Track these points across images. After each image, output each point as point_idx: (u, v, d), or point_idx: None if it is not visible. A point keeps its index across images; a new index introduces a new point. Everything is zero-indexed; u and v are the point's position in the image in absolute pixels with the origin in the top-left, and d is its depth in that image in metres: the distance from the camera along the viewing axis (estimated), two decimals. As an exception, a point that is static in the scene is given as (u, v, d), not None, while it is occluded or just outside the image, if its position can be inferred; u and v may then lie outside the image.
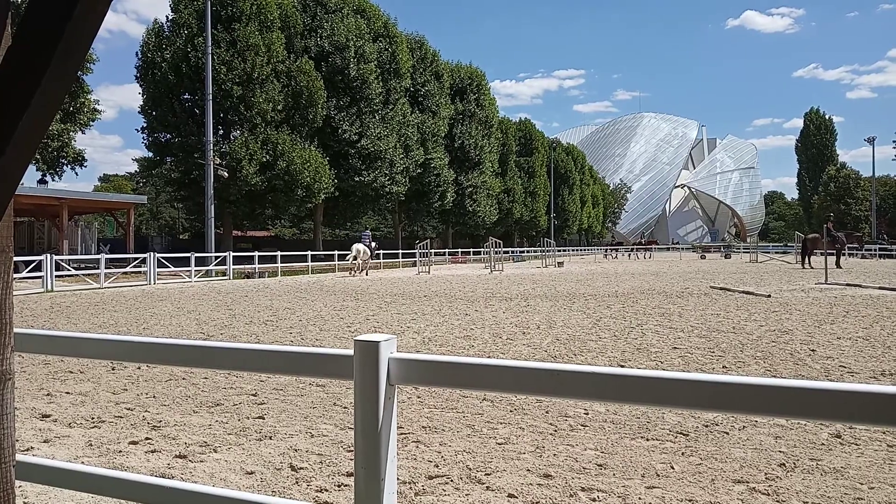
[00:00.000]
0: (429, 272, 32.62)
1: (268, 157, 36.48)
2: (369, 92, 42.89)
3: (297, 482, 3.69)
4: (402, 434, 4.57)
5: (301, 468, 3.91)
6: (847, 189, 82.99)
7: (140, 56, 37.16)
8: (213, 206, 31.30)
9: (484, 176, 59.90)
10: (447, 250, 53.93)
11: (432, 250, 40.63)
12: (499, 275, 29.43)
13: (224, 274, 28.43)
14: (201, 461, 4.07)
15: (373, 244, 32.92)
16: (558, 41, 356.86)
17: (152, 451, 4.27)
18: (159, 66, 35.86)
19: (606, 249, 73.47)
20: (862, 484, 3.53)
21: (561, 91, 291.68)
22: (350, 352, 1.95)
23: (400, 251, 46.63)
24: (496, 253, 35.87)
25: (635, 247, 71.56)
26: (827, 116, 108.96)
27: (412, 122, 48.50)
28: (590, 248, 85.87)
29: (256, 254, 31.68)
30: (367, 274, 30.24)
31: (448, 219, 60.04)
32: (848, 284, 18.68)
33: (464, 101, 58.18)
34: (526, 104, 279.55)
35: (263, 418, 5.03)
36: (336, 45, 41.39)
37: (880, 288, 17.11)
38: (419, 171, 49.82)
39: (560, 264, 41.11)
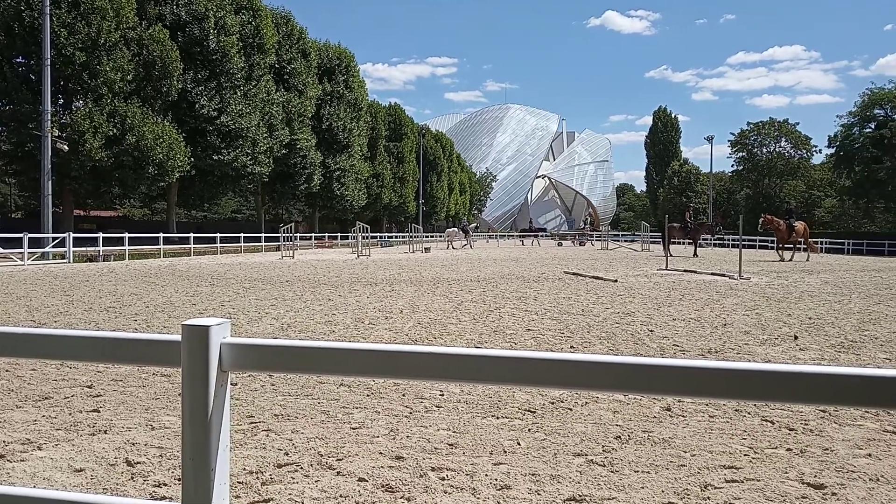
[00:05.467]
0: (293, 257, 31.80)
1: (115, 130, 33.67)
2: (230, 66, 40.76)
3: (132, 477, 3.45)
4: (252, 423, 4.41)
5: (138, 462, 3.65)
6: (688, 183, 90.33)
7: (-38, 11, 32.89)
8: (50, 183, 28.51)
9: (352, 159, 59.11)
10: (314, 235, 52.83)
11: (297, 234, 39.66)
12: (366, 260, 29.28)
13: (63, 257, 26.07)
14: (22, 460, 3.69)
15: (469, 227, 54.59)
16: (432, 28, 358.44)
17: (-38, 453, 3.81)
18: (-14, 24, 31.95)
19: (524, 234, 68.20)
20: (685, 452, 3.86)
21: (433, 78, 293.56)
22: (178, 337, 1.82)
23: (263, 235, 45.05)
24: (364, 238, 35.64)
25: (582, 233, 66.02)
26: (673, 115, 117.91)
27: (277, 101, 46.73)
28: None
29: (101, 235, 29.32)
30: (462, 250, 37.19)
31: (315, 202, 58.77)
32: (685, 270, 20.42)
33: (332, 82, 56.95)
34: (399, 89, 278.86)
35: (98, 411, 4.66)
36: (194, 15, 38.91)
37: (712, 274, 18.87)
38: (284, 151, 48.19)
39: (427, 250, 41.59)
